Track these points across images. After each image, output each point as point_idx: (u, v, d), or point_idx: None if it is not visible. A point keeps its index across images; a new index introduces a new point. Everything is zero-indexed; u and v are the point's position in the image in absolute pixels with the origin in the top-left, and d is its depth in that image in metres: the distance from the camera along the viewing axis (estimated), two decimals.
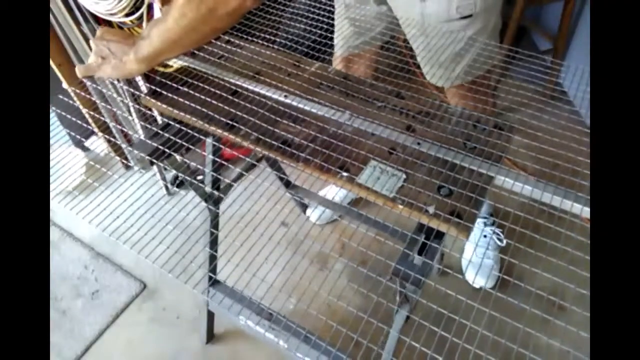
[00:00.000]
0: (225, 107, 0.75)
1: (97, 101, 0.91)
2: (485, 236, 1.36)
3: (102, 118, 1.47)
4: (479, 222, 1.37)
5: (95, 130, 1.54)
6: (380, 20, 1.09)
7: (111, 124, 1.54)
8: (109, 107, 1.43)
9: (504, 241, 1.34)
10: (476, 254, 1.33)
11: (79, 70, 0.78)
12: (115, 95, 0.89)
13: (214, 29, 0.71)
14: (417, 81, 0.82)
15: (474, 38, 0.95)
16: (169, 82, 0.81)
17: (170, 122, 0.77)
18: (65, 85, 1.43)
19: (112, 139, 1.61)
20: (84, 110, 1.34)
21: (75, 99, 1.37)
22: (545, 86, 1.60)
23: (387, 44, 1.03)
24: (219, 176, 0.88)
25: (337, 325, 0.57)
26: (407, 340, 0.52)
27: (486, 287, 1.27)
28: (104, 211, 0.66)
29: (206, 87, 0.79)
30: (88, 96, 0.87)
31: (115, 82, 0.81)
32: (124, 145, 1.60)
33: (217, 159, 0.92)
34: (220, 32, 0.75)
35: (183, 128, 0.75)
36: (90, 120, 1.44)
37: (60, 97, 0.87)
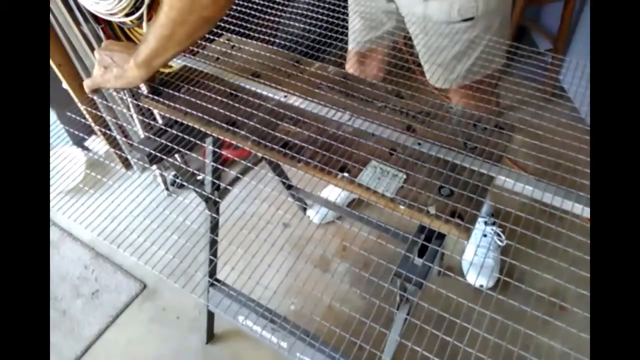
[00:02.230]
0: (225, 109, 0.74)
1: (98, 102, 0.91)
2: (485, 236, 1.36)
3: (105, 131, 1.46)
4: (480, 222, 1.36)
5: (96, 130, 1.54)
6: (390, 18, 1.08)
7: (111, 125, 1.54)
8: (110, 119, 1.43)
9: (504, 241, 1.34)
10: (477, 254, 1.33)
11: (86, 85, 0.79)
12: (115, 95, 0.90)
13: (202, 18, 0.70)
14: (418, 80, 0.82)
15: (480, 37, 0.94)
16: (169, 85, 0.81)
17: (166, 128, 0.77)
18: (65, 85, 1.43)
19: (112, 147, 1.61)
20: (83, 108, 1.34)
21: (75, 99, 1.37)
22: (545, 83, 1.60)
23: (394, 43, 1.03)
24: (217, 182, 0.88)
25: (340, 330, 0.57)
26: (409, 345, 0.51)
27: (487, 287, 1.27)
28: (102, 215, 0.66)
29: (206, 88, 0.79)
30: (95, 111, 0.87)
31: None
32: (124, 146, 1.59)
33: (215, 164, 0.91)
34: (210, 22, 0.73)
35: (180, 134, 0.75)
36: (90, 121, 1.44)
37: (69, 114, 0.88)
